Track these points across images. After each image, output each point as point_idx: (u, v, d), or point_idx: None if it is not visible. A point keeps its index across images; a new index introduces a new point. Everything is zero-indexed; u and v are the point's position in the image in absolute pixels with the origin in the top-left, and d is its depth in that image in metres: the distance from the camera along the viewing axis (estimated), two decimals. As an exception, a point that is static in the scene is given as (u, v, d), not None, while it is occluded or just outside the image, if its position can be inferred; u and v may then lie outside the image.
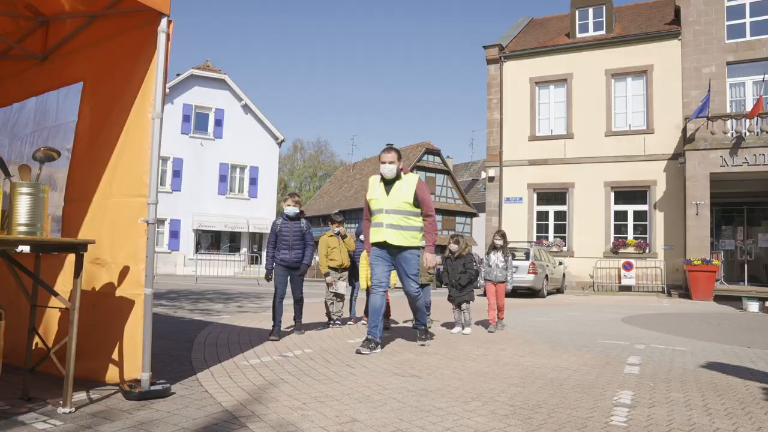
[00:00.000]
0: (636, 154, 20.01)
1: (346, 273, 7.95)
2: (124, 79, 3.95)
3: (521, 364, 5.18)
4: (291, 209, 6.55)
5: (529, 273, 15.67)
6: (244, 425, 3.04)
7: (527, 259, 16.03)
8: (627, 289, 19.54)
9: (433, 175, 40.17)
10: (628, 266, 19.49)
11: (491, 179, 22.52)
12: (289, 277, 6.61)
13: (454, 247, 7.65)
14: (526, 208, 21.85)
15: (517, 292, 16.49)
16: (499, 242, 8.11)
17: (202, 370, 4.47)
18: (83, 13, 4.38)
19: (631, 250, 19.93)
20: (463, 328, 7.48)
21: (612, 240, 20.34)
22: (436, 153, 40.69)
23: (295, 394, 3.76)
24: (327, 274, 7.62)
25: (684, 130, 18.62)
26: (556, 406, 3.64)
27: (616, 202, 20.58)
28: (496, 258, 8.04)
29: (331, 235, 7.77)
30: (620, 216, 20.50)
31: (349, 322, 8.10)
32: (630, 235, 20.26)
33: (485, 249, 21.10)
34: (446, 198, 40.79)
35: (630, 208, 20.35)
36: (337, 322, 7.68)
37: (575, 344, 6.53)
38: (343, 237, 7.88)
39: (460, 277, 7.56)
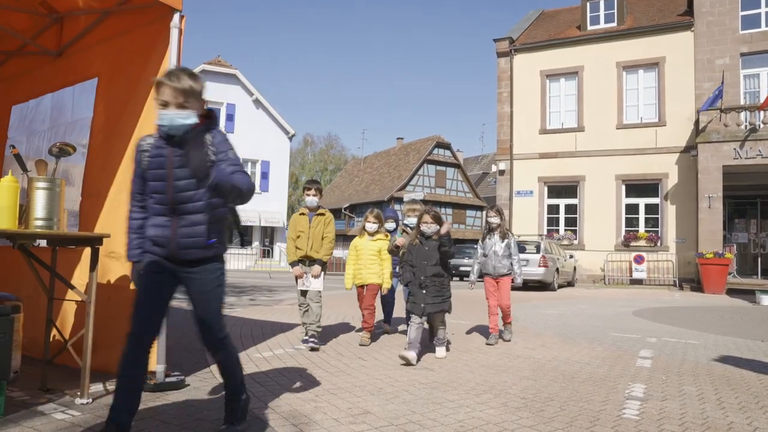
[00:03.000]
0: (647, 147, 19.84)
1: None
2: (138, 75, 3.99)
3: (532, 356, 5.19)
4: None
5: (539, 266, 15.63)
6: (257, 416, 3.08)
7: (538, 252, 15.98)
8: (638, 282, 19.43)
9: (443, 168, 40.09)
10: (639, 259, 19.37)
11: (502, 172, 22.43)
12: None
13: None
14: (536, 202, 21.76)
15: (528, 285, 16.47)
16: (495, 220, 6.14)
17: (209, 365, 4.51)
18: (96, 10, 4.41)
19: (642, 243, 19.80)
20: (435, 350, 5.13)
21: (623, 233, 20.22)
22: (446, 146, 40.59)
23: (307, 386, 3.79)
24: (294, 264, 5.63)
25: (696, 122, 18.43)
26: (568, 398, 3.65)
27: (627, 195, 20.43)
28: (493, 243, 6.10)
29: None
30: (631, 209, 20.37)
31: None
32: (641, 228, 20.13)
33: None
34: (456, 191, 40.70)
35: (641, 201, 20.21)
36: (310, 340, 5.33)
37: (587, 337, 6.52)
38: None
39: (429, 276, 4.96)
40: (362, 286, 5.97)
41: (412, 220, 5.91)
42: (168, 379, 3.60)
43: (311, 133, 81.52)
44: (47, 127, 4.76)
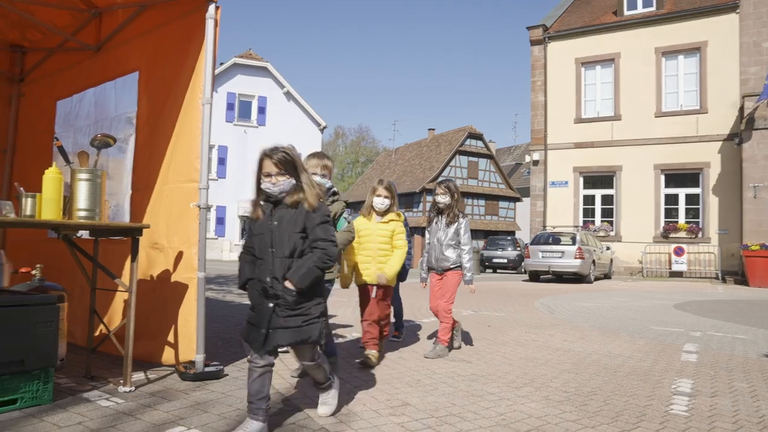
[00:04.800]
0: (688, 135, 19.24)
1: None
2: (177, 67, 4.01)
3: (572, 349, 5.08)
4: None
5: (575, 258, 15.37)
6: (297, 407, 3.08)
7: (573, 243, 15.71)
8: (678, 275, 18.91)
9: (475, 159, 39.69)
10: (679, 251, 18.85)
11: (535, 163, 22.09)
12: None
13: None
14: (571, 192, 21.36)
15: (563, 278, 16.22)
16: (443, 199, 4.81)
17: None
18: (133, 3, 4.45)
19: (682, 234, 19.25)
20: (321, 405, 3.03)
21: (662, 224, 19.70)
22: (478, 137, 40.17)
23: (346, 378, 3.78)
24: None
25: (741, 108, 17.77)
26: (612, 393, 3.55)
27: (666, 185, 19.87)
28: (439, 227, 4.82)
29: None
30: (671, 199, 19.81)
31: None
32: (681, 219, 19.57)
33: (530, 235, 20.87)
34: (489, 182, 40.27)
35: (681, 192, 19.63)
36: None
37: (627, 330, 6.36)
38: None
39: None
40: (367, 286, 4.31)
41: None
42: (207, 369, 3.63)
43: (342, 125, 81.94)
44: (92, 122, 4.84)
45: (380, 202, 4.37)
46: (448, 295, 4.68)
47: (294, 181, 2.67)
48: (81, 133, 4.96)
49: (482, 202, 39.21)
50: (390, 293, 4.45)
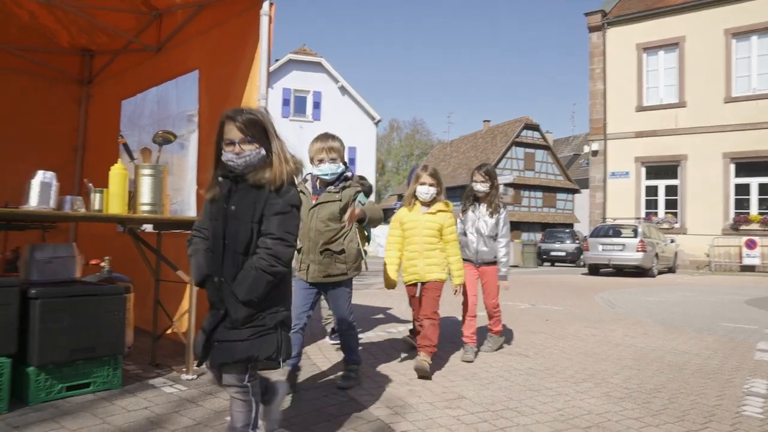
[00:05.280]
0: (762, 122, 18.14)
1: None
2: (235, 64, 4.10)
3: (634, 345, 4.90)
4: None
5: (637, 251, 14.82)
6: (353, 398, 3.10)
7: (635, 236, 15.15)
8: (750, 269, 17.92)
9: (532, 150, 38.87)
10: (751, 244, 17.85)
11: (595, 153, 21.41)
12: None
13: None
14: (633, 183, 20.57)
15: (624, 271, 15.69)
16: (482, 187, 4.44)
17: (309, 344, 4.63)
18: (192, 3, 4.58)
19: (754, 226, 18.21)
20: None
21: (732, 216, 18.69)
22: (534, 128, 39.30)
23: (400, 370, 3.79)
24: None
25: (820, 91, 16.62)
26: (677, 391, 3.41)
27: (737, 175, 18.83)
28: (477, 217, 4.46)
29: None
30: (742, 190, 18.75)
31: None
32: (754, 210, 18.51)
33: (589, 228, 20.26)
34: (546, 174, 39.35)
35: (753, 181, 18.55)
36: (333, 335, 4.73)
37: (693, 326, 6.08)
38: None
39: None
40: (415, 285, 3.89)
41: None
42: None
43: (397, 118, 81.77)
44: (154, 120, 5.03)
45: (425, 191, 3.85)
46: (494, 293, 4.47)
47: (263, 152, 2.07)
48: (144, 131, 5.16)
49: (539, 194, 38.40)
50: (438, 292, 3.86)
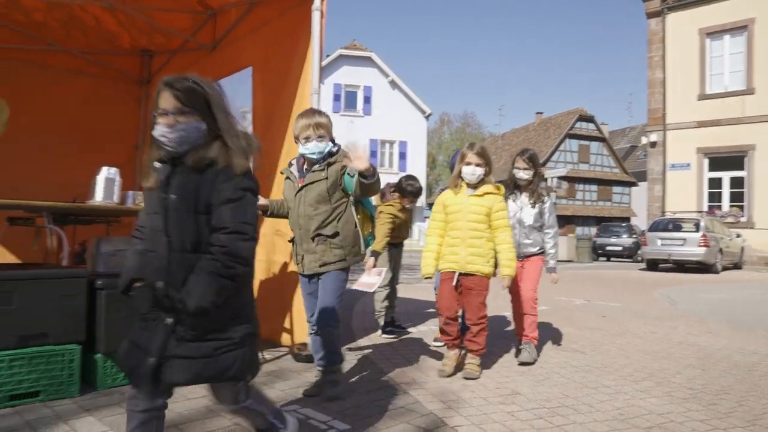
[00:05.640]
0: (837, 108, 17.03)
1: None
2: (288, 60, 4.16)
3: (697, 344, 4.70)
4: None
5: (699, 246, 14.19)
6: (406, 392, 3.10)
7: (697, 230, 14.51)
8: (824, 265, 16.89)
9: (587, 143, 37.83)
10: (825, 239, 16.80)
11: (653, 145, 20.60)
12: None
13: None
14: (694, 175, 19.69)
15: (685, 267, 15.07)
16: (524, 174, 4.10)
17: (361, 336, 4.66)
18: (245, 1, 4.67)
19: (830, 220, 17.13)
20: None
21: (804, 209, 17.64)
22: (589, 119, 38.21)
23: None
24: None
25: None
26: (747, 393, 3.24)
27: (810, 165, 17.75)
28: (519, 207, 4.12)
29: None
30: (815, 181, 17.66)
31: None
32: (829, 202, 17.40)
33: (647, 222, 19.52)
34: (602, 167, 38.23)
35: (829, 172, 17.45)
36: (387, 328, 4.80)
37: (763, 325, 5.78)
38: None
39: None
40: (452, 274, 3.49)
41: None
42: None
43: (447, 111, 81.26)
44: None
45: (470, 171, 3.46)
46: (533, 283, 4.01)
47: (204, 126, 1.72)
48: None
49: (594, 187, 37.37)
50: (483, 289, 3.48)
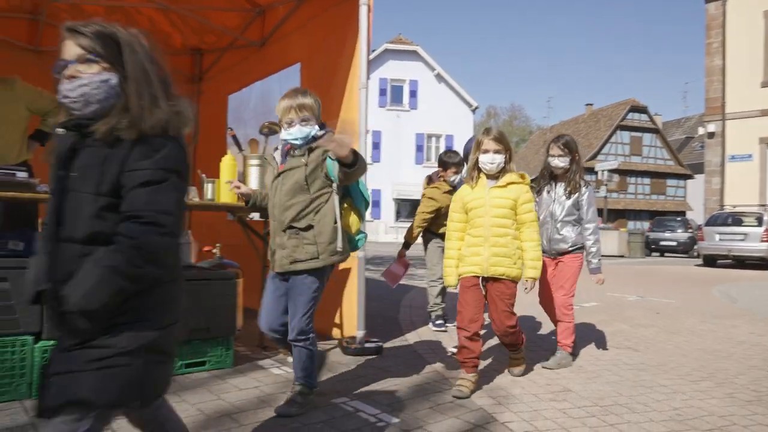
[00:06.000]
0: None
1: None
2: (335, 55, 4.18)
3: (761, 344, 4.49)
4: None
5: (762, 241, 13.54)
6: (452, 385, 3.08)
7: (759, 225, 13.84)
8: None
9: (639, 134, 36.62)
10: None
11: (711, 135, 19.74)
12: None
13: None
14: (757, 167, 18.76)
15: (745, 264, 14.40)
16: (560, 162, 3.65)
17: (409, 331, 4.66)
18: (292, -3, 4.72)
19: None
20: None
21: None
22: (642, 110, 36.95)
23: (502, 359, 3.71)
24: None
25: None
26: (816, 395, 3.07)
27: None
28: (552, 199, 3.71)
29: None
30: None
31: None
32: None
33: (704, 216, 18.74)
34: (655, 159, 36.95)
35: None
36: (437, 322, 4.76)
37: (833, 324, 5.46)
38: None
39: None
40: (476, 279, 3.04)
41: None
42: (367, 345, 3.79)
43: (494, 104, 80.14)
44: (259, 113, 5.26)
45: (489, 160, 3.02)
46: (568, 285, 3.58)
47: (115, 80, 1.33)
48: (248, 124, 5.41)
49: (647, 180, 36.17)
50: (511, 294, 3.06)
